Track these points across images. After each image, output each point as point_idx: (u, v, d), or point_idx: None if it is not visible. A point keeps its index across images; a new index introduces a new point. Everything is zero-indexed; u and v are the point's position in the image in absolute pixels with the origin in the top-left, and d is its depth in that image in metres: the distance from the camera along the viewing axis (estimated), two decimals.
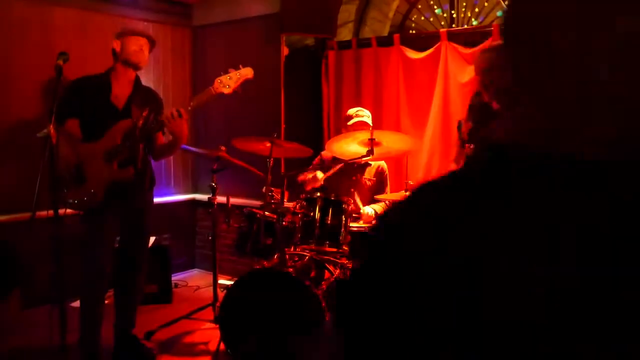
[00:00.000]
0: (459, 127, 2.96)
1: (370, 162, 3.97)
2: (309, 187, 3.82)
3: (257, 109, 4.87)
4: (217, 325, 3.21)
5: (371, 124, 3.95)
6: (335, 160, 3.83)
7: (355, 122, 3.94)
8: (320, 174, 3.84)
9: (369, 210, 3.88)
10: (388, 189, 4.15)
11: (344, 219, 3.40)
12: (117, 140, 3.01)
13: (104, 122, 3.03)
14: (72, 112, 3.07)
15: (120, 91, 3.14)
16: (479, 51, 2.80)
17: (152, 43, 3.22)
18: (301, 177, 3.86)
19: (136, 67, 3.20)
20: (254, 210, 3.46)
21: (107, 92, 3.11)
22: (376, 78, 4.72)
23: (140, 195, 3.21)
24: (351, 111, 4.06)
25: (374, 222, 3.63)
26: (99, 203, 3.01)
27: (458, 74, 4.25)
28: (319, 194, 3.44)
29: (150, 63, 4.86)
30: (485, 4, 4.77)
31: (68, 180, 3.00)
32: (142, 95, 3.20)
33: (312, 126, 5.03)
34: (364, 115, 4.00)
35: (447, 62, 4.30)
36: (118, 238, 3.30)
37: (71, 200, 2.98)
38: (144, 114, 3.07)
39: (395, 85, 4.60)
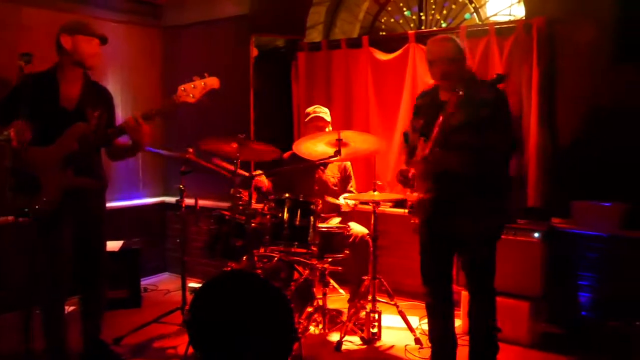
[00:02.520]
0: (406, 139, 3.05)
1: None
2: (260, 186, 3.95)
3: (227, 110, 4.85)
4: (186, 329, 3.20)
5: (329, 120, 4.02)
6: (294, 159, 3.86)
7: (312, 118, 4.02)
8: (264, 177, 3.92)
9: (344, 201, 3.96)
10: (353, 184, 4.20)
11: (312, 219, 3.43)
12: (72, 146, 2.87)
13: (54, 125, 2.87)
14: (18, 113, 2.74)
15: (70, 91, 2.96)
16: (436, 40, 2.81)
17: (104, 41, 3.03)
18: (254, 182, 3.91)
19: (89, 69, 3.03)
20: (223, 212, 3.45)
21: (55, 93, 2.93)
22: (346, 79, 4.75)
23: (96, 201, 3.12)
24: (309, 109, 4.15)
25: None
26: (54, 211, 2.87)
27: (426, 75, 4.12)
28: (287, 195, 3.46)
29: (118, 64, 4.88)
30: (453, 6, 4.84)
31: (19, 187, 2.81)
32: (93, 94, 3.04)
33: (283, 127, 5.04)
34: (321, 111, 4.07)
35: (415, 63, 4.34)
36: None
37: (26, 209, 2.78)
38: (96, 114, 2.95)
39: (365, 87, 4.63)
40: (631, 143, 3.60)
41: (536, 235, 3.60)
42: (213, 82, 2.91)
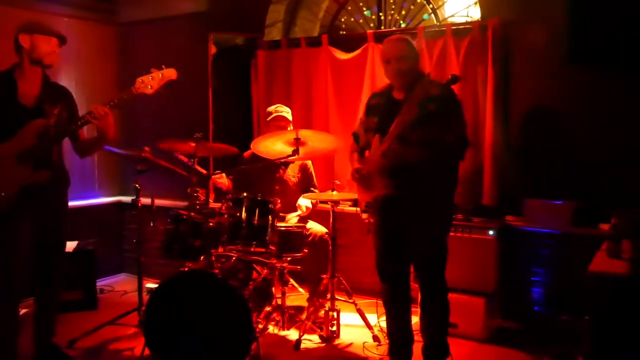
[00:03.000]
0: (356, 139, 3.11)
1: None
2: (219, 186, 3.96)
3: (185, 108, 4.80)
4: (142, 330, 3.16)
5: (291, 119, 4.04)
6: (254, 158, 3.86)
7: (274, 117, 4.03)
8: (224, 176, 3.92)
9: (305, 202, 3.96)
10: (315, 183, 4.22)
11: (270, 218, 3.44)
12: (31, 141, 2.87)
13: (13, 122, 2.87)
14: None
15: (29, 90, 2.98)
16: (391, 40, 2.91)
17: (62, 41, 3.06)
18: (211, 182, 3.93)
19: (47, 68, 3.04)
20: (180, 211, 3.42)
21: (13, 91, 2.94)
22: (306, 78, 4.75)
23: (55, 197, 3.08)
24: (270, 108, 4.15)
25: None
26: (11, 207, 2.86)
27: (384, 75, 4.32)
28: (245, 194, 3.46)
29: (72, 60, 4.79)
30: (412, 7, 4.87)
31: None
32: (52, 92, 3.06)
33: (242, 126, 5.01)
34: (283, 110, 4.09)
35: (374, 63, 4.37)
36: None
37: None
38: (56, 111, 2.96)
39: (324, 86, 4.64)
40: (581, 142, 3.71)
41: (491, 232, 3.68)
42: (170, 73, 2.95)
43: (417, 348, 3.05)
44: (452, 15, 4.72)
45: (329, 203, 3.73)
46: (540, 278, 3.74)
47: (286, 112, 4.09)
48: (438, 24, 4.66)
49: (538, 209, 3.68)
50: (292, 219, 3.93)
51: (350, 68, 4.52)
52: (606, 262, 2.59)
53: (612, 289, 2.42)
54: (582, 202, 3.57)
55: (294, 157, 3.44)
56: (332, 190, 3.71)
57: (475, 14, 4.45)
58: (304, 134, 3.44)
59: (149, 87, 2.91)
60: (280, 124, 4.01)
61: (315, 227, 4.00)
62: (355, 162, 3.03)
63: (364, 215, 2.91)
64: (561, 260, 3.65)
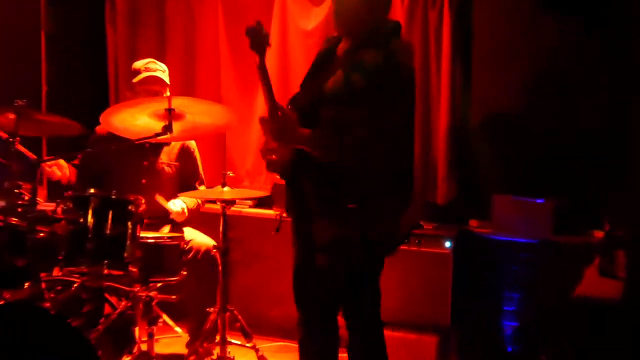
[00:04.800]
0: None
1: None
2: (55, 179, 3.89)
3: (7, 66, 4.68)
4: None
5: (168, 82, 4.02)
6: (111, 138, 3.79)
7: (144, 79, 4.01)
8: (62, 162, 3.87)
9: (179, 204, 3.96)
10: (201, 175, 4.24)
11: (131, 226, 3.39)
12: None
13: None
14: None
15: None
16: None
17: None
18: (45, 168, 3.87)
19: None
20: None
21: None
22: (187, 23, 4.76)
23: None
24: (138, 64, 4.10)
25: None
26: None
27: (300, 19, 4.41)
28: (92, 191, 3.37)
29: None
30: None
31: None
32: None
33: (93, 90, 4.98)
34: (157, 69, 4.06)
35: (285, 1, 4.43)
36: None
37: None
38: None
39: (215, 34, 4.66)
40: (562, 119, 3.90)
41: (447, 244, 3.82)
42: None
43: None
44: None
45: (219, 203, 3.73)
46: (513, 306, 3.86)
47: (161, 70, 4.09)
48: None
49: (510, 210, 3.86)
50: (166, 227, 3.95)
51: (250, 9, 4.56)
52: (597, 283, 2.72)
53: (601, 319, 2.54)
54: (566, 199, 3.76)
55: (163, 137, 3.35)
56: (223, 186, 3.71)
57: None
58: (181, 102, 3.38)
59: None
60: (152, 87, 4.04)
61: (198, 239, 4.00)
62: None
63: (275, 212, 2.95)
64: (541, 280, 3.81)
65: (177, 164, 4.18)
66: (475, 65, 4.11)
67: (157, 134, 3.36)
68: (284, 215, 2.96)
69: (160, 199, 3.87)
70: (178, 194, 4.02)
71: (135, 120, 3.52)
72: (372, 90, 2.65)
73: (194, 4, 4.70)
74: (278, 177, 2.95)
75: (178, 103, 3.38)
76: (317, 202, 2.78)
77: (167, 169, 4.17)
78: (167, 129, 3.34)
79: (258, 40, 2.69)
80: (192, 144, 4.23)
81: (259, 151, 2.98)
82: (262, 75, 2.70)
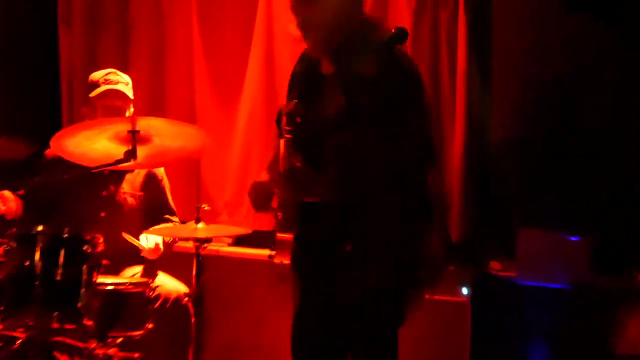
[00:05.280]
0: (279, 120, 2.99)
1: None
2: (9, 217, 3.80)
3: None
4: None
5: (131, 96, 3.95)
6: (64, 164, 3.66)
7: (103, 93, 3.93)
8: (7, 193, 3.79)
9: (152, 239, 3.89)
10: (171, 205, 4.18)
11: (86, 270, 3.30)
12: None
13: None
14: None
15: None
16: None
17: None
18: None
19: None
20: None
21: None
22: (155, 25, 4.73)
23: None
24: (96, 75, 4.04)
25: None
26: None
27: (290, 23, 4.12)
28: (41, 228, 3.29)
29: None
30: None
31: None
32: None
33: (44, 105, 4.93)
34: (119, 81, 3.99)
35: (271, 1, 4.41)
36: None
37: None
38: None
39: (187, 39, 4.63)
40: (599, 138, 3.85)
41: (464, 290, 3.74)
42: None
43: None
44: None
45: (192, 242, 3.61)
46: None
47: (124, 83, 4.02)
48: None
49: (539, 248, 3.78)
50: (132, 269, 3.92)
51: (230, 8, 4.58)
52: None
53: None
54: (603, 235, 3.71)
55: (127, 164, 3.26)
56: (197, 221, 3.60)
57: None
58: (147, 123, 3.29)
59: None
60: (112, 104, 3.97)
61: (167, 284, 3.92)
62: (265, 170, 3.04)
63: (274, 256, 2.88)
64: (575, 332, 3.72)
65: (141, 194, 4.12)
66: (496, 72, 4.06)
67: (119, 161, 3.27)
68: (285, 261, 2.90)
69: (127, 237, 3.83)
70: (144, 230, 3.93)
71: (92, 144, 3.43)
72: (381, 103, 2.62)
73: (164, 2, 4.67)
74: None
75: (144, 124, 3.29)
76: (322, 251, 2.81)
77: (129, 199, 4.10)
78: (131, 154, 3.26)
79: (293, 119, 2.79)
80: (160, 170, 4.17)
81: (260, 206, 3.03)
82: (288, 145, 2.78)
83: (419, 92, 2.79)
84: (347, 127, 2.64)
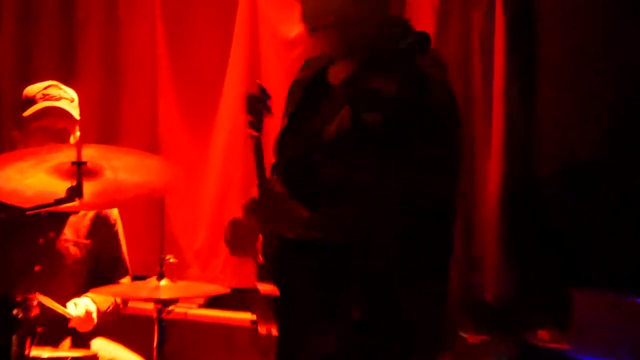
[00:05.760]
0: (258, 147, 2.90)
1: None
2: None
3: None
4: None
5: (78, 117, 3.83)
6: None
7: (41, 111, 3.77)
8: None
9: (81, 305, 3.71)
10: (125, 260, 4.03)
11: (16, 340, 3.09)
12: None
13: None
14: None
15: None
16: None
17: None
18: None
19: None
20: None
21: None
22: (110, 26, 4.71)
23: None
24: (32, 89, 3.86)
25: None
26: None
27: (279, 22, 4.37)
28: None
29: None
30: None
31: None
32: None
33: None
34: (62, 96, 3.83)
35: None
36: None
37: None
38: None
39: (149, 42, 4.63)
40: None
41: None
42: None
43: None
44: None
45: (152, 303, 3.42)
46: None
47: (68, 99, 3.82)
48: None
49: (599, 314, 3.60)
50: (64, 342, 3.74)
51: (205, 7, 4.58)
52: None
53: None
54: None
55: (70, 205, 3.01)
56: (159, 277, 3.40)
57: None
58: (97, 152, 3.07)
59: None
60: (53, 125, 3.76)
61: (119, 357, 3.81)
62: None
63: (258, 322, 2.80)
64: None
65: (88, 241, 3.88)
66: (541, 86, 3.94)
67: (60, 200, 3.02)
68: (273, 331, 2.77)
69: (47, 301, 3.60)
70: (90, 289, 3.78)
71: (26, 178, 3.18)
72: (395, 132, 2.50)
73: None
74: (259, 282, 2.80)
75: (93, 153, 3.05)
76: (314, 309, 2.67)
77: (73, 249, 3.86)
78: (75, 192, 2.99)
79: (256, 107, 2.78)
80: (114, 212, 3.99)
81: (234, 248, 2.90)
82: (256, 147, 2.73)
83: (444, 124, 2.59)
84: (349, 151, 2.51)
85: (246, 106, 2.74)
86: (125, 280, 4.00)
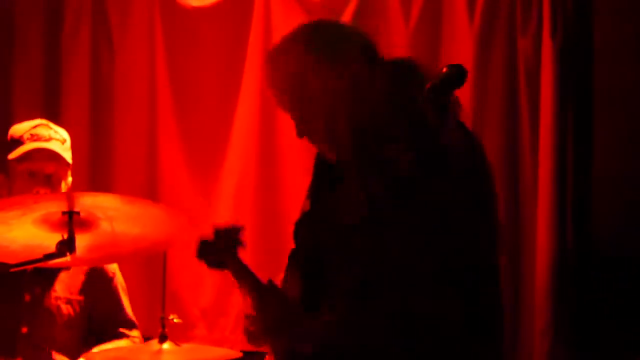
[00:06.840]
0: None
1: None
2: None
3: None
4: None
5: (69, 160, 3.79)
6: None
7: (28, 153, 3.73)
8: None
9: None
10: (129, 314, 3.94)
11: None
12: None
13: None
14: None
15: None
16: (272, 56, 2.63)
17: None
18: None
19: None
20: None
21: None
22: (102, 55, 4.66)
23: None
24: (19, 129, 3.84)
25: None
26: None
27: None
28: None
29: None
30: None
31: None
32: None
33: None
34: (52, 137, 3.80)
35: (270, 12, 4.49)
36: None
37: None
38: None
39: (148, 74, 4.63)
40: None
41: None
42: None
43: None
44: None
45: None
46: None
47: (59, 140, 3.80)
48: None
49: None
50: None
51: (213, 24, 4.56)
52: None
53: None
54: None
55: (61, 260, 2.94)
56: (161, 340, 3.37)
57: None
58: (91, 200, 3.03)
59: None
60: (41, 169, 3.73)
61: None
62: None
63: None
64: None
65: (81, 298, 3.82)
66: (597, 129, 3.82)
67: (50, 256, 2.94)
68: None
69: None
70: (85, 351, 3.73)
71: (10, 230, 3.15)
72: (404, 199, 2.31)
73: (113, 18, 4.53)
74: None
75: (86, 202, 3.02)
76: None
77: (64, 307, 3.80)
78: (66, 246, 2.91)
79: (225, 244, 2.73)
80: (112, 265, 3.91)
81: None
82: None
83: (474, 206, 2.33)
84: (364, 239, 2.33)
85: (198, 252, 2.66)
86: (135, 333, 3.87)
